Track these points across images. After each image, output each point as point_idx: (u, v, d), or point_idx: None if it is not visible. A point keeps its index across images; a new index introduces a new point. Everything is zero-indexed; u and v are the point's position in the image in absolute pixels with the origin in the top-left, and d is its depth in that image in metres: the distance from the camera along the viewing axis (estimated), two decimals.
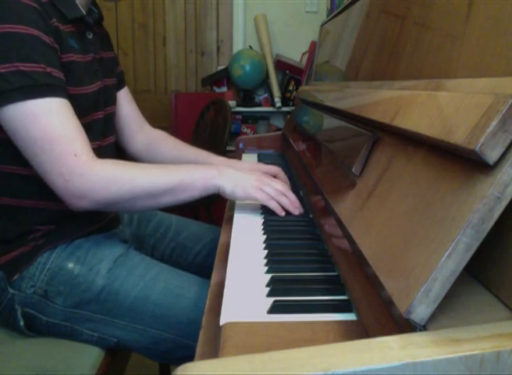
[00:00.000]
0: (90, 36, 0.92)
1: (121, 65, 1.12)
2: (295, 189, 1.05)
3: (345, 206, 0.62)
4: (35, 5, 0.76)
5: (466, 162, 0.39)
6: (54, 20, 0.80)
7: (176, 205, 0.83)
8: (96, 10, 0.96)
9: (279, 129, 2.88)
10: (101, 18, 0.98)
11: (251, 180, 0.84)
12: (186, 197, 0.82)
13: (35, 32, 0.75)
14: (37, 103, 0.74)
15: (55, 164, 0.75)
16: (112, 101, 1.01)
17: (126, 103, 1.10)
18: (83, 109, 0.85)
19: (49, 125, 0.75)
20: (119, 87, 1.08)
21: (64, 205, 0.78)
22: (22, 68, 0.73)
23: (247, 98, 2.91)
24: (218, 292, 0.63)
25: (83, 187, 0.75)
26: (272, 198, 0.84)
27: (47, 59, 0.76)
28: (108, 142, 0.98)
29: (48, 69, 0.76)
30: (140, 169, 0.82)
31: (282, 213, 0.85)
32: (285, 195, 0.86)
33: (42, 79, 0.75)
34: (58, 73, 0.78)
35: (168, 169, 0.84)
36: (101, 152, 0.84)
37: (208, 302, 0.63)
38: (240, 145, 1.64)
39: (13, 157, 0.80)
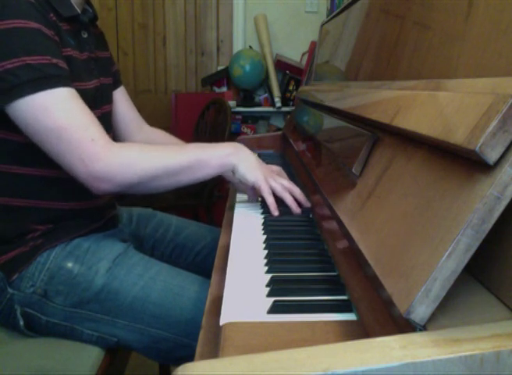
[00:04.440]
0: (85, 35, 0.92)
1: (120, 65, 1.12)
2: None
3: (345, 206, 0.62)
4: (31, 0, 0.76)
5: (466, 162, 0.39)
6: (51, 15, 0.80)
7: (194, 184, 0.84)
8: (90, 10, 0.96)
9: (279, 129, 2.88)
10: (95, 17, 0.98)
11: (263, 169, 0.86)
12: (203, 175, 0.84)
13: (36, 25, 0.76)
14: (47, 94, 0.75)
15: (75, 151, 0.76)
16: (108, 100, 1.02)
17: (122, 102, 1.10)
18: None
19: (62, 114, 0.75)
20: (115, 86, 1.08)
21: (62, 204, 0.78)
22: (28, 61, 0.74)
23: (247, 98, 2.91)
24: (218, 294, 0.63)
25: (103, 170, 0.77)
26: (272, 194, 0.85)
27: (51, 51, 0.77)
28: None
29: (54, 60, 0.77)
30: (157, 149, 0.84)
31: (276, 213, 0.85)
32: (289, 192, 0.86)
33: (49, 70, 0.75)
34: (63, 64, 0.79)
35: (184, 147, 0.86)
36: None
37: (207, 302, 0.62)
38: None
39: (10, 156, 0.80)
